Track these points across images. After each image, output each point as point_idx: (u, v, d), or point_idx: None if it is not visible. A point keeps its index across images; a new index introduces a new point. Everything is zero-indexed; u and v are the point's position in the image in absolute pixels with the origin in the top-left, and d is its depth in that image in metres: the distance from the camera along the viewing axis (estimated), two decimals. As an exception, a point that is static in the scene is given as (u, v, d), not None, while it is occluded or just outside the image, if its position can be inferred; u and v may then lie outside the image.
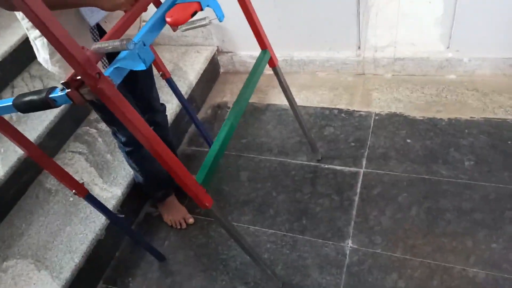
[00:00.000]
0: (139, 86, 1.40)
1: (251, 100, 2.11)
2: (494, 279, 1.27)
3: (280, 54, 2.14)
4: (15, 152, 1.67)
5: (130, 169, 1.71)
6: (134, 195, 1.70)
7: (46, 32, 0.69)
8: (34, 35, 1.10)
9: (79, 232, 1.54)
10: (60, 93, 0.83)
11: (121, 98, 0.83)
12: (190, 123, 2.07)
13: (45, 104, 0.86)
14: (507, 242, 1.34)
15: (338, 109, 1.94)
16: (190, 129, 2.05)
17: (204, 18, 0.96)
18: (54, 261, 1.47)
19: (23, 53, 2.03)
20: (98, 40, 1.12)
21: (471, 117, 1.73)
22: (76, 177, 1.71)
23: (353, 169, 1.68)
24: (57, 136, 1.84)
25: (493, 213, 1.42)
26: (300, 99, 2.02)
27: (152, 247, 1.53)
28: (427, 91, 1.89)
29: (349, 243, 1.46)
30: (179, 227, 1.65)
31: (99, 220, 1.55)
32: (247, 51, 2.19)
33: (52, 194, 1.69)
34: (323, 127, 1.88)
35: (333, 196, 1.61)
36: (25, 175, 1.71)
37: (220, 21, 1.06)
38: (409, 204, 1.51)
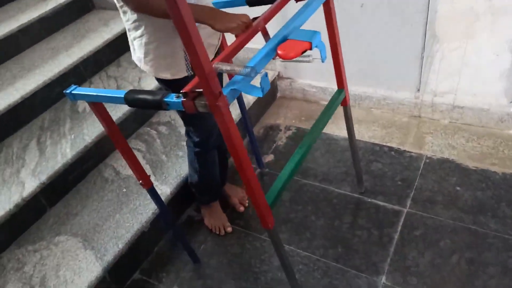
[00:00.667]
0: None
1: (304, 126, 2.18)
2: None
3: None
4: (83, 140, 1.84)
5: (181, 171, 1.82)
6: (181, 197, 1.80)
7: (188, 44, 0.78)
8: (134, 35, 1.24)
9: (127, 221, 1.64)
10: (175, 99, 0.94)
11: (230, 116, 0.92)
12: (243, 138, 2.16)
13: (157, 105, 0.98)
14: (554, 308, 1.27)
15: (388, 146, 1.95)
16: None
17: (309, 56, 1.05)
18: (100, 244, 1.57)
19: (104, 55, 2.26)
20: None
21: (528, 175, 1.67)
22: (131, 172, 1.85)
23: (396, 207, 1.67)
24: (122, 132, 1.99)
25: (541, 276, 1.35)
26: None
27: (190, 247, 1.60)
28: (484, 143, 1.86)
29: (383, 279, 1.45)
30: (217, 232, 1.72)
31: (146, 214, 1.66)
32: (307, 79, 2.28)
33: (109, 183, 1.83)
34: (371, 162, 1.89)
35: (373, 230, 1.61)
36: (88, 161, 1.87)
37: (323, 61, 1.18)
38: (450, 251, 1.48)
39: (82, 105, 2.06)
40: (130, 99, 1.03)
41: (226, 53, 1.00)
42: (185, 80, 1.31)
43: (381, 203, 1.70)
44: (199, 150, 1.53)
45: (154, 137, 2.04)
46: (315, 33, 1.06)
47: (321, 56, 1.12)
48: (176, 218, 1.83)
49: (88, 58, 2.18)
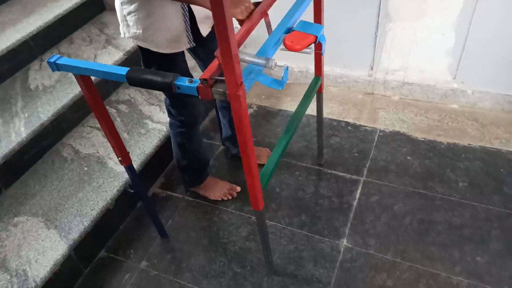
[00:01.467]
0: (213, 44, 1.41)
1: (264, 104, 2.23)
2: (476, 289, 1.37)
3: (296, 65, 2.28)
4: (39, 118, 1.76)
5: (145, 148, 1.80)
6: (145, 174, 1.79)
7: (222, 32, 0.78)
8: (128, 10, 1.19)
9: (90, 199, 1.61)
10: (187, 84, 0.94)
11: (246, 105, 0.95)
12: (206, 115, 2.18)
13: (167, 87, 0.97)
14: (491, 257, 1.44)
15: (345, 122, 2.06)
16: (205, 122, 2.15)
17: (310, 48, 1.10)
18: (64, 222, 1.54)
19: (56, 31, 2.15)
20: (186, 14, 1.21)
21: (469, 144, 1.85)
22: (92, 150, 1.81)
23: (354, 176, 1.78)
24: (79, 110, 1.93)
25: (481, 231, 1.52)
26: (311, 109, 2.13)
27: (159, 220, 1.61)
28: (430, 116, 2.02)
29: (344, 241, 1.55)
30: (230, 197, 1.75)
31: (111, 191, 1.64)
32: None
33: (68, 162, 1.77)
34: (330, 136, 1.99)
35: (333, 198, 1.71)
36: (44, 141, 1.79)
37: (322, 54, 1.25)
38: (403, 213, 1.61)
39: (35, 82, 1.96)
40: (134, 78, 1.00)
41: (238, 37, 1.00)
42: (181, 54, 1.32)
43: (340, 174, 1.80)
44: (184, 130, 1.54)
45: (114, 115, 1.99)
46: (318, 26, 1.12)
47: (322, 49, 1.19)
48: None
49: (38, 33, 2.06)
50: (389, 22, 1.91)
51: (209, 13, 1.30)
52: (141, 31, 1.22)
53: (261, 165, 1.73)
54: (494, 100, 1.95)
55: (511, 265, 1.41)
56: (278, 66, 0.99)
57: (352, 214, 1.64)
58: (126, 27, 1.25)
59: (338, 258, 1.50)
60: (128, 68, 1.03)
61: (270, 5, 1.16)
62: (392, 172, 1.78)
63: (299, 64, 2.27)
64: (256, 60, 0.96)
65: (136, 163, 1.74)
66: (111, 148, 1.80)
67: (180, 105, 1.47)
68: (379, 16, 1.91)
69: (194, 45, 1.30)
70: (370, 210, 1.64)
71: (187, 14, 1.23)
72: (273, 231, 1.61)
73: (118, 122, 1.95)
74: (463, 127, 1.93)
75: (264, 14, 1.13)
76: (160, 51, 1.26)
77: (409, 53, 1.98)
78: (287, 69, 0.98)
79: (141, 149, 1.80)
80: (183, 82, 0.96)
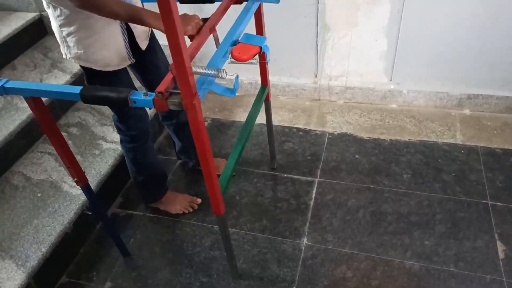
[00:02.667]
0: (152, 55, 1.46)
1: (217, 117, 2.29)
2: (426, 270, 1.48)
3: (245, 77, 2.37)
4: (-16, 147, 1.69)
5: (100, 169, 1.79)
6: (103, 195, 1.77)
7: (175, 47, 0.83)
8: (68, 31, 1.20)
9: (47, 224, 1.57)
10: (143, 97, 0.97)
11: (201, 114, 1.00)
12: (160, 132, 2.19)
13: (122, 102, 0.99)
14: (437, 239, 1.57)
15: (296, 127, 2.16)
16: (159, 139, 2.17)
17: (255, 59, 1.17)
18: (20, 251, 1.48)
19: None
20: (125, 31, 1.26)
21: (409, 139, 2.01)
22: (44, 175, 1.77)
23: (309, 178, 1.87)
24: (27, 136, 1.88)
25: (426, 216, 1.65)
26: (262, 118, 2.22)
27: (120, 240, 1.59)
28: (373, 117, 2.17)
29: (305, 240, 1.62)
30: (191, 210, 1.77)
31: (68, 214, 1.60)
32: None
33: (19, 190, 1.72)
34: (283, 142, 2.08)
35: (291, 200, 1.78)
36: (-8, 170, 1.72)
37: (267, 63, 1.35)
38: (356, 208, 1.72)
39: (-23, 111, 1.88)
40: (88, 95, 1.02)
41: (191, 50, 1.05)
42: (124, 70, 1.35)
43: (296, 177, 1.89)
44: (136, 145, 1.55)
45: (65, 139, 1.95)
46: (261, 38, 1.21)
47: (267, 59, 1.28)
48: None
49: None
50: (327, 31, 2.06)
51: (145, 28, 1.35)
52: (82, 51, 1.24)
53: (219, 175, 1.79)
54: (427, 98, 2.14)
55: (454, 244, 1.55)
56: (229, 76, 1.05)
57: (310, 213, 1.72)
58: (67, 48, 1.26)
59: (300, 256, 1.57)
60: (81, 87, 1.05)
61: (218, 21, 1.23)
62: (343, 170, 1.89)
63: (248, 76, 2.36)
64: (208, 72, 1.01)
65: (93, 184, 1.72)
66: (65, 172, 1.79)
67: (128, 120, 1.48)
68: (318, 26, 2.05)
69: (134, 61, 1.34)
70: (326, 208, 1.73)
71: (125, 31, 1.27)
72: (236, 238, 1.65)
73: (70, 145, 1.91)
74: (403, 124, 2.10)
75: (213, 30, 1.20)
76: (103, 69, 1.29)
77: (348, 59, 2.13)
78: (238, 77, 1.04)
79: (97, 170, 1.79)
80: (139, 96, 1.00)
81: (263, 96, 1.62)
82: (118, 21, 1.22)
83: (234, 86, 1.04)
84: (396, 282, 1.45)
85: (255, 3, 1.35)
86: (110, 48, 1.26)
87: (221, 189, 1.24)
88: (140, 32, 1.33)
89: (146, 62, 1.44)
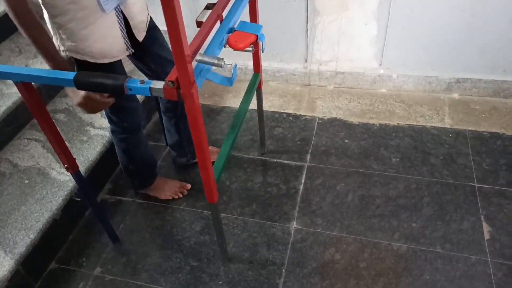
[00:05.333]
0: (151, 45, 1.42)
1: (207, 103, 2.27)
2: (413, 251, 1.50)
3: (236, 63, 2.35)
4: (-31, 134, 1.67)
5: (88, 155, 1.77)
6: (92, 181, 1.76)
7: (174, 32, 0.81)
8: (60, 23, 1.14)
9: (35, 211, 1.56)
10: (140, 85, 0.95)
11: (199, 103, 0.99)
12: (149, 119, 2.17)
13: (118, 89, 0.96)
14: (424, 221, 1.59)
15: (286, 113, 2.16)
16: (149, 125, 2.15)
17: (251, 47, 1.15)
18: (8, 238, 1.47)
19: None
20: (121, 21, 1.22)
21: (398, 123, 2.02)
22: (32, 162, 1.76)
23: (298, 163, 1.88)
24: (13, 123, 1.85)
25: (414, 199, 1.67)
26: (253, 104, 2.21)
27: (110, 226, 1.59)
28: (363, 101, 2.17)
29: (294, 224, 1.63)
30: (181, 195, 1.77)
31: (56, 201, 1.59)
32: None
33: (6, 177, 1.70)
34: (273, 128, 2.07)
35: (281, 185, 1.79)
36: (-22, 157, 1.70)
37: (263, 51, 1.32)
38: (345, 192, 1.73)
39: (-39, 97, 1.84)
40: (83, 81, 0.99)
41: (198, 43, 1.03)
42: (119, 62, 1.31)
43: (286, 162, 1.89)
44: (128, 135, 1.53)
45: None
46: (258, 26, 1.18)
47: (262, 47, 1.26)
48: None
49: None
50: (317, 16, 2.04)
51: (141, 17, 1.32)
52: (76, 44, 1.19)
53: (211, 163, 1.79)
54: (416, 82, 2.14)
55: (441, 226, 1.57)
56: (227, 64, 1.04)
57: (299, 198, 1.73)
58: (60, 40, 1.20)
59: (289, 240, 1.58)
60: (75, 72, 1.03)
61: (225, 6, 1.22)
62: (333, 155, 1.89)
63: (238, 62, 2.33)
64: (208, 60, 1.00)
65: (81, 171, 1.70)
66: (53, 158, 1.77)
67: (121, 112, 1.46)
68: (307, 11, 2.03)
69: (133, 51, 1.31)
70: (315, 192, 1.74)
71: (122, 21, 1.23)
72: (226, 222, 1.66)
73: (57, 132, 1.90)
74: (392, 109, 2.10)
75: (220, 17, 1.18)
76: (99, 61, 1.24)
77: (338, 44, 2.12)
78: (236, 66, 1.03)
79: (85, 156, 1.77)
80: (135, 83, 0.97)
81: (256, 83, 1.61)
82: (113, 11, 1.19)
83: (232, 75, 1.03)
84: (384, 263, 1.47)
85: None
86: (106, 40, 1.22)
87: (215, 177, 1.23)
88: (137, 23, 1.30)
89: (146, 52, 1.41)
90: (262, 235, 1.61)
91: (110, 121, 1.50)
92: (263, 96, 2.26)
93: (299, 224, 1.63)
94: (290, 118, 2.13)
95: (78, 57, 1.23)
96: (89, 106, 1.20)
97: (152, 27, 1.40)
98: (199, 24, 1.16)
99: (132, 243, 1.63)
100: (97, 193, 1.83)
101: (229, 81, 1.02)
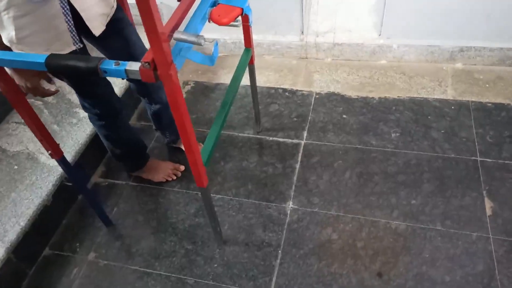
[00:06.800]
0: (113, 41, 1.33)
1: (201, 80, 2.20)
2: (412, 229, 1.46)
3: (229, 36, 2.25)
4: (-46, 120, 1.62)
5: (78, 138, 1.73)
6: (83, 164, 1.72)
7: (146, 13, 0.73)
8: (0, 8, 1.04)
9: (24, 198, 1.53)
10: (115, 67, 0.88)
11: (179, 85, 0.91)
12: (140, 100, 2.10)
13: (92, 72, 0.89)
14: (424, 198, 1.54)
15: (282, 88, 2.08)
16: (141, 105, 2.09)
17: (238, 21, 1.07)
18: (-2, 226, 1.45)
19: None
20: (68, 13, 1.11)
21: (398, 96, 1.94)
22: (21, 147, 1.71)
23: (295, 140, 1.82)
24: (2, 107, 1.80)
25: (414, 175, 1.62)
26: (247, 79, 2.13)
27: (102, 210, 1.56)
28: (362, 74, 2.08)
29: (290, 204, 1.59)
30: (174, 177, 1.72)
31: (46, 187, 1.56)
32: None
33: (-5, 163, 1.66)
34: (269, 104, 2.00)
35: (277, 164, 1.74)
36: (-36, 143, 1.66)
37: (250, 25, 1.25)
38: (343, 169, 1.68)
39: None
40: (55, 64, 0.92)
41: (178, 19, 0.94)
42: (81, 52, 1.21)
43: (281, 140, 1.83)
44: (106, 122, 1.46)
45: (40, 108, 1.88)
46: None
47: (250, 21, 1.17)
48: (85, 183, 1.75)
49: None
50: (312, -16, 1.93)
51: (100, 9, 1.19)
52: (14, 33, 1.08)
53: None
54: (417, 52, 2.04)
55: (441, 203, 1.52)
56: (208, 42, 0.96)
57: (296, 176, 1.68)
58: (2, 29, 1.09)
59: (285, 220, 1.54)
60: (47, 55, 0.96)
61: None
62: (330, 131, 1.83)
63: (232, 35, 2.24)
64: (186, 37, 0.92)
65: (71, 155, 1.66)
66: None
67: (91, 98, 1.37)
68: (302, -21, 1.92)
69: (81, 46, 1.19)
70: (312, 171, 1.69)
71: (69, 13, 1.11)
72: (221, 204, 1.62)
73: (46, 114, 1.85)
74: (392, 81, 2.02)
75: None
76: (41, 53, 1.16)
77: (335, 14, 2.01)
78: (217, 44, 0.96)
79: (74, 140, 1.72)
80: (110, 65, 0.91)
81: (247, 59, 1.54)
82: (57, 0, 1.07)
83: (213, 54, 0.95)
84: (382, 242, 1.44)
85: None
86: (45, 31, 1.10)
87: (203, 161, 1.18)
88: (92, 16, 1.17)
89: (106, 46, 1.31)
90: (258, 216, 1.57)
91: (83, 107, 1.43)
92: (259, 71, 2.18)
93: (295, 204, 1.59)
94: (286, 93, 2.05)
95: (16, 48, 1.12)
96: (30, 91, 1.18)
97: (117, 19, 1.28)
98: None
99: (126, 227, 1.61)
100: (90, 176, 1.79)
101: (211, 60, 0.95)
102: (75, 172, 1.40)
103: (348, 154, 1.73)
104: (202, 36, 0.91)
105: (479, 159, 1.63)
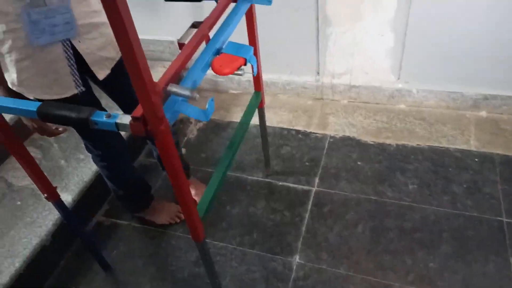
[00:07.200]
0: (118, 83, 1.30)
1: (213, 117, 2.16)
2: (429, 296, 1.34)
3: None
4: (-37, 152, 1.62)
5: (84, 176, 1.70)
6: (86, 203, 1.68)
7: (130, 58, 0.69)
8: (1, 51, 1.05)
9: (23, 236, 1.49)
10: (106, 119, 0.84)
11: (171, 140, 0.87)
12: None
13: (83, 123, 0.86)
14: (443, 261, 1.42)
15: (296, 130, 2.01)
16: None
17: (242, 70, 1.02)
18: (-7, 266, 1.41)
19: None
20: (71, 57, 1.10)
21: (417, 144, 1.84)
22: (26, 181, 1.69)
23: (306, 187, 1.74)
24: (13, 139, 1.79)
25: (432, 234, 1.50)
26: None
27: (100, 255, 1.50)
28: (379, 118, 2.00)
29: (297, 258, 1.50)
30: (178, 221, 1.67)
31: (46, 226, 1.52)
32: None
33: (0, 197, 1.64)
34: (281, 146, 1.94)
35: (285, 212, 1.65)
36: (-29, 176, 1.65)
37: (254, 76, 1.20)
38: (355, 222, 1.58)
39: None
40: (46, 113, 0.90)
41: (174, 71, 0.90)
42: (74, 98, 1.18)
43: (292, 185, 1.75)
44: (108, 163, 1.42)
45: (50, 141, 1.87)
46: (248, 48, 1.06)
47: (253, 71, 1.13)
48: (85, 226, 1.71)
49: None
50: (328, 26, 1.88)
51: (105, 53, 1.18)
52: (16, 75, 1.08)
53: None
54: (438, 98, 1.95)
55: (462, 267, 1.40)
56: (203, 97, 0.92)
57: (304, 227, 1.59)
58: (6, 70, 1.09)
59: (290, 276, 1.44)
60: (40, 103, 0.94)
61: (213, 25, 1.09)
62: (343, 179, 1.74)
63: (246, 72, 2.21)
64: (180, 92, 0.87)
65: (74, 192, 1.63)
66: (48, 178, 1.70)
67: (93, 139, 1.34)
68: (318, 20, 1.88)
69: (84, 89, 1.17)
70: (322, 222, 1.60)
71: (72, 57, 1.10)
72: (224, 253, 1.54)
73: (55, 149, 1.83)
74: (411, 128, 1.93)
75: (206, 37, 1.06)
76: (37, 97, 1.12)
77: (352, 56, 1.96)
78: (213, 100, 0.91)
79: (80, 177, 1.69)
80: (101, 117, 0.87)
81: (256, 103, 1.49)
82: (59, 42, 1.06)
83: (207, 109, 0.90)
84: (395, 309, 1.32)
85: (245, 4, 1.20)
86: (46, 74, 1.09)
87: (201, 214, 1.11)
88: (96, 60, 1.16)
89: (109, 89, 1.30)
90: (262, 269, 1.48)
91: (86, 147, 1.40)
92: (272, 111, 2.14)
93: (302, 258, 1.49)
94: (299, 135, 1.98)
95: (17, 90, 1.11)
96: (36, 130, 1.19)
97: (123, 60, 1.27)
98: (181, 46, 1.04)
99: (124, 272, 1.54)
100: (93, 215, 1.75)
101: (205, 115, 0.89)
102: (73, 216, 1.35)
103: (361, 205, 1.63)
104: (195, 90, 0.86)
105: (504, 220, 1.51)
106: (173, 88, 0.87)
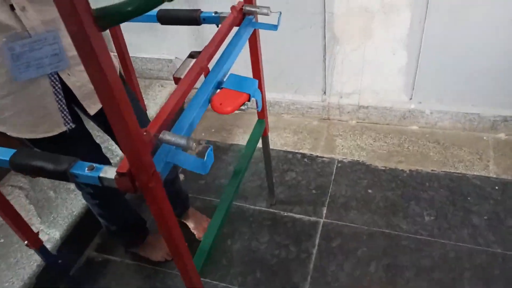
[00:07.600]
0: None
1: (213, 139, 2.04)
2: None
3: (245, 93, 2.10)
4: None
5: (73, 208, 1.58)
6: (76, 238, 1.56)
7: (111, 106, 0.58)
8: None
9: (5, 279, 1.37)
10: (87, 173, 0.74)
11: (164, 195, 0.76)
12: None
13: (61, 177, 0.76)
14: (466, 305, 1.29)
15: (301, 153, 1.89)
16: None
17: (245, 105, 0.93)
18: (-29, 315, 1.29)
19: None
20: (59, 92, 0.99)
21: (432, 170, 1.71)
22: (12, 215, 1.56)
23: (313, 218, 1.61)
24: (-3, 170, 1.69)
25: (452, 273, 1.37)
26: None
27: (88, 299, 1.38)
28: (390, 141, 1.87)
29: (304, 301, 1.37)
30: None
31: (30, 267, 1.40)
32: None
33: (-19, 234, 1.52)
34: (285, 172, 1.81)
35: (291, 247, 1.53)
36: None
37: (258, 111, 1.12)
38: (368, 259, 1.45)
39: None
40: (19, 164, 0.79)
41: (167, 114, 0.79)
42: (62, 135, 1.07)
43: (297, 216, 1.63)
44: (100, 200, 1.31)
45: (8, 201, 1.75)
46: (251, 81, 0.94)
47: (257, 106, 1.02)
48: (75, 262, 1.58)
49: None
50: (336, 44, 1.77)
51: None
52: None
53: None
54: (454, 119, 1.83)
55: (488, 312, 1.26)
56: (199, 147, 0.80)
57: (312, 264, 1.46)
58: None
59: (298, 322, 1.32)
60: (15, 150, 0.82)
61: (212, 55, 0.97)
62: (353, 209, 1.61)
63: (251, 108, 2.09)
64: (173, 140, 0.75)
65: (62, 228, 1.51)
66: (34, 212, 1.58)
67: None
68: (325, 38, 1.76)
69: (73, 126, 1.06)
70: (331, 258, 1.47)
71: (61, 92, 0.99)
72: (224, 295, 1.42)
73: (43, 178, 1.71)
74: (425, 151, 1.80)
75: (204, 68, 0.94)
76: (26, 136, 1.02)
77: (361, 75, 1.84)
78: (212, 149, 0.78)
79: (69, 209, 1.57)
80: (82, 170, 0.75)
81: (260, 131, 1.37)
82: (46, 77, 0.96)
83: (206, 160, 0.77)
84: None
85: (248, 29, 1.08)
86: (35, 111, 0.99)
87: (198, 267, 0.99)
88: (88, 93, 1.05)
89: (104, 121, 1.18)
90: (266, 314, 1.35)
91: (76, 185, 1.29)
92: (276, 132, 2.01)
93: (310, 301, 1.36)
94: (305, 160, 1.86)
95: (1, 129, 1.01)
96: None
97: None
98: (176, 81, 0.92)
99: (116, 316, 1.41)
100: (83, 250, 1.62)
101: (204, 166, 0.76)
102: (58, 262, 1.23)
103: (373, 240, 1.50)
104: (191, 138, 0.74)
105: (532, 257, 1.38)
106: (166, 136, 0.75)
